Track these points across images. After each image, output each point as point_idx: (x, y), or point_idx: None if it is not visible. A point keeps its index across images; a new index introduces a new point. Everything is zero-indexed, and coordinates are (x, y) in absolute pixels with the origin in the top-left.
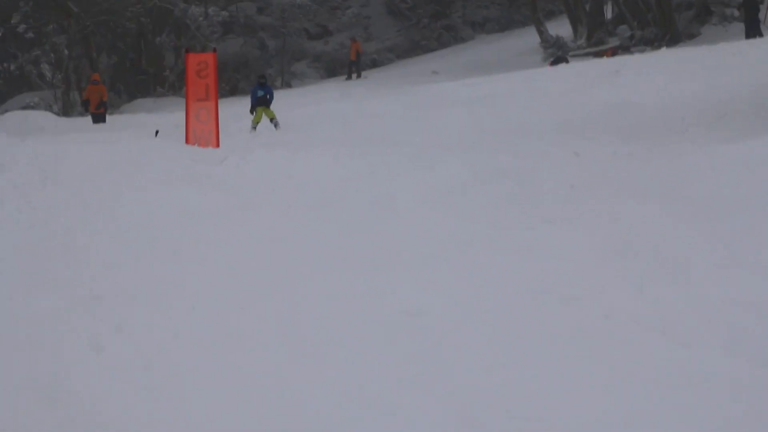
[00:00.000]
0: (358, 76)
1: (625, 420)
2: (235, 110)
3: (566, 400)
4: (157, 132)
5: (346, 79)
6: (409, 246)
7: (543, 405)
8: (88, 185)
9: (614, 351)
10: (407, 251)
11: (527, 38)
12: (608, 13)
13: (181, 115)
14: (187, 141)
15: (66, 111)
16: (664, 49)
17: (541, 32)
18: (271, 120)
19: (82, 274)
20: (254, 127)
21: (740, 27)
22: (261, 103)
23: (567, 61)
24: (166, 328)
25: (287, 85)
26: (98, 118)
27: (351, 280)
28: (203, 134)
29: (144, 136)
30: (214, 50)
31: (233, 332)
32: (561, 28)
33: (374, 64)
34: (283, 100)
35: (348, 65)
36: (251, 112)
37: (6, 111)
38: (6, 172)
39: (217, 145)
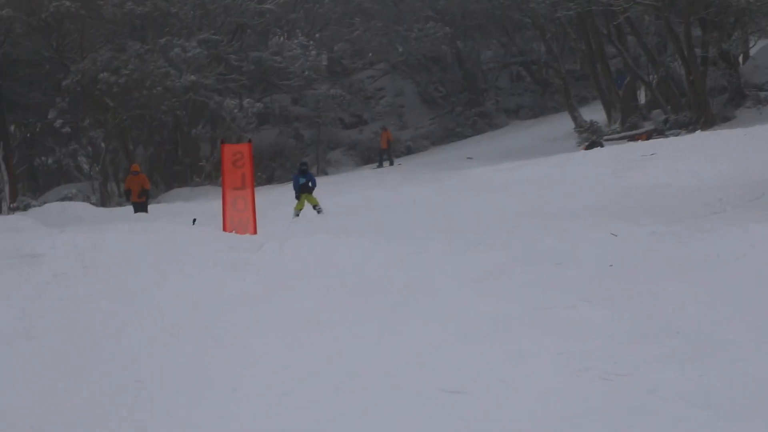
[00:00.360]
0: (391, 163)
1: None
2: (272, 198)
3: None
4: (194, 220)
5: (377, 167)
6: (448, 326)
7: None
8: (128, 272)
9: (660, 426)
10: (447, 331)
11: (561, 124)
12: (641, 97)
13: (217, 204)
14: (224, 228)
15: (104, 202)
16: (698, 132)
17: (575, 117)
18: (314, 207)
19: (124, 359)
20: (297, 214)
21: None
22: (304, 190)
23: (602, 145)
24: (209, 412)
25: (323, 172)
26: (139, 207)
27: (391, 359)
28: (240, 222)
29: (182, 224)
30: (250, 141)
31: (276, 417)
32: (595, 113)
33: (409, 151)
34: (319, 188)
35: (379, 153)
36: (297, 198)
37: (45, 203)
38: (46, 261)
39: (255, 232)
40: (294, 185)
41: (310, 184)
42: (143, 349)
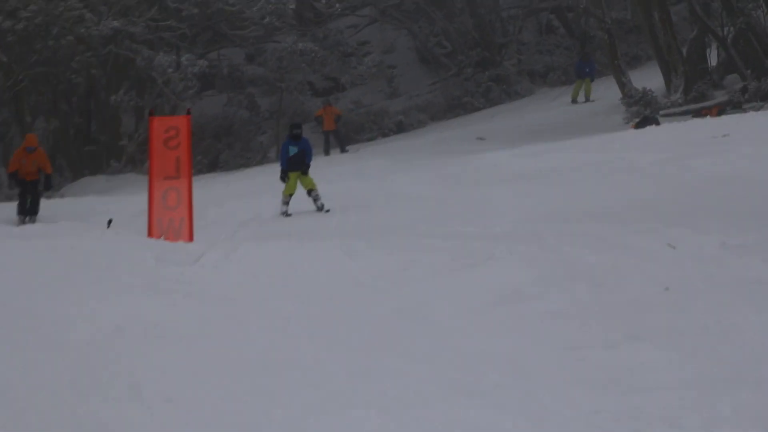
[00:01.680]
0: (342, 150)
1: None
2: (216, 191)
3: None
4: (109, 222)
5: (326, 155)
6: (450, 374)
7: None
8: (18, 298)
9: None
10: (448, 381)
11: (604, 92)
12: (712, 58)
13: (142, 199)
14: (150, 234)
15: None
16: None
17: (623, 84)
18: (309, 192)
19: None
20: (285, 203)
21: None
22: (295, 165)
23: (657, 123)
24: None
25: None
26: (30, 190)
27: (374, 421)
28: (172, 224)
29: (93, 228)
30: (188, 112)
31: None
32: (649, 78)
33: (400, 129)
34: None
35: (324, 137)
36: (282, 179)
37: None
38: None
39: (191, 239)
40: (281, 157)
41: (305, 155)
42: (29, 405)
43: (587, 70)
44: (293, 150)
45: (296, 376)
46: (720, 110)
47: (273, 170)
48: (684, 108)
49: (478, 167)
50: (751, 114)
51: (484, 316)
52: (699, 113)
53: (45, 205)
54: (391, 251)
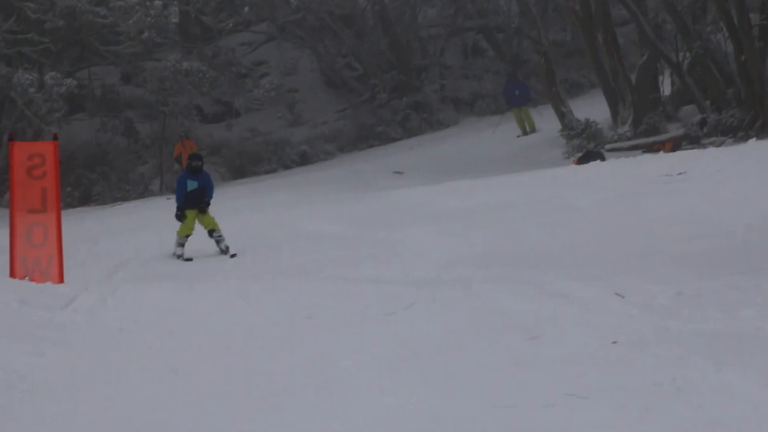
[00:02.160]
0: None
1: None
2: (88, 227)
3: None
4: None
5: (168, 198)
6: None
7: None
8: None
9: None
10: None
11: (540, 123)
12: (666, 87)
13: (3, 235)
14: (12, 274)
15: None
16: (752, 141)
17: (562, 114)
18: (211, 233)
19: None
20: (181, 244)
21: None
22: (193, 202)
23: (603, 158)
24: None
25: (170, 190)
26: None
27: None
28: (38, 264)
29: None
30: (55, 137)
31: None
32: (592, 108)
33: (304, 160)
34: (165, 213)
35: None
36: (178, 218)
37: None
38: None
39: (61, 280)
40: (177, 192)
41: (205, 191)
42: None
43: (517, 92)
44: (192, 185)
45: None
46: (675, 145)
47: (155, 205)
48: (633, 142)
49: (395, 204)
50: (711, 150)
51: (403, 370)
52: (651, 148)
53: None
54: (294, 296)
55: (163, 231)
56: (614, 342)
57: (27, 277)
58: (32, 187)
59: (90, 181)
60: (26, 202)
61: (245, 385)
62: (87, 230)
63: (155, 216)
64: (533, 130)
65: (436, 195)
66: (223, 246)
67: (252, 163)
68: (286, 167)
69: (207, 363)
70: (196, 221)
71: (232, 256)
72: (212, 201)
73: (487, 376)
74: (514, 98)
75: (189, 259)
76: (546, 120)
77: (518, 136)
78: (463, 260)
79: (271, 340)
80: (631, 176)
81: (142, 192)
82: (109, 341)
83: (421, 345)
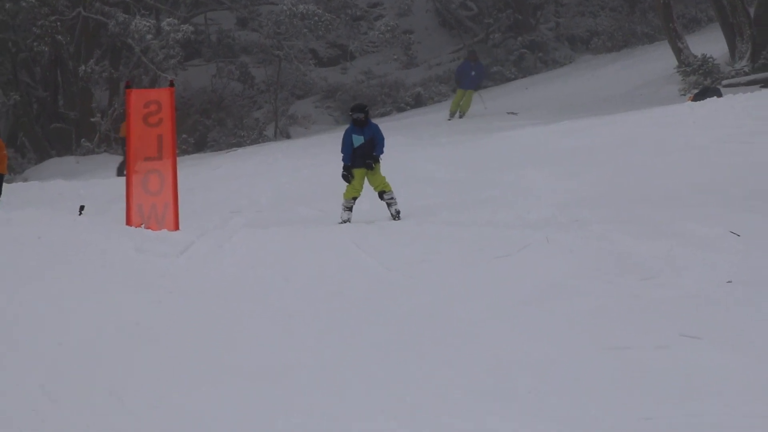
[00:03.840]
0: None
1: None
2: (205, 175)
3: None
4: (81, 208)
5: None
6: (478, 379)
7: None
8: None
9: None
10: (476, 387)
11: (657, 60)
12: None
13: (119, 183)
14: (128, 222)
15: None
16: None
17: (679, 50)
18: (382, 195)
19: None
20: (348, 208)
21: None
22: (359, 160)
23: (720, 94)
24: None
25: (285, 135)
26: None
27: None
28: (154, 211)
29: (62, 216)
30: (171, 84)
31: None
32: (710, 43)
33: (418, 102)
34: (280, 158)
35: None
36: (345, 178)
37: None
38: None
39: (177, 227)
40: (344, 150)
41: (375, 145)
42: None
43: (473, 74)
44: (358, 140)
45: (302, 382)
46: None
47: (270, 150)
48: (751, 77)
49: (511, 146)
50: None
51: (517, 314)
52: None
53: (6, 189)
54: (409, 241)
55: (277, 177)
56: (729, 281)
57: (143, 225)
58: (149, 135)
59: (206, 128)
60: (142, 149)
61: (361, 330)
62: (202, 177)
63: (270, 162)
64: (463, 114)
65: (551, 135)
66: (393, 210)
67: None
68: (400, 110)
69: (323, 309)
70: (365, 181)
71: (392, 207)
72: (299, 141)
73: (601, 318)
74: (467, 78)
75: (348, 211)
76: (661, 58)
77: (448, 120)
78: (578, 201)
79: (387, 285)
80: (749, 113)
81: (257, 138)
82: (225, 288)
83: (535, 289)
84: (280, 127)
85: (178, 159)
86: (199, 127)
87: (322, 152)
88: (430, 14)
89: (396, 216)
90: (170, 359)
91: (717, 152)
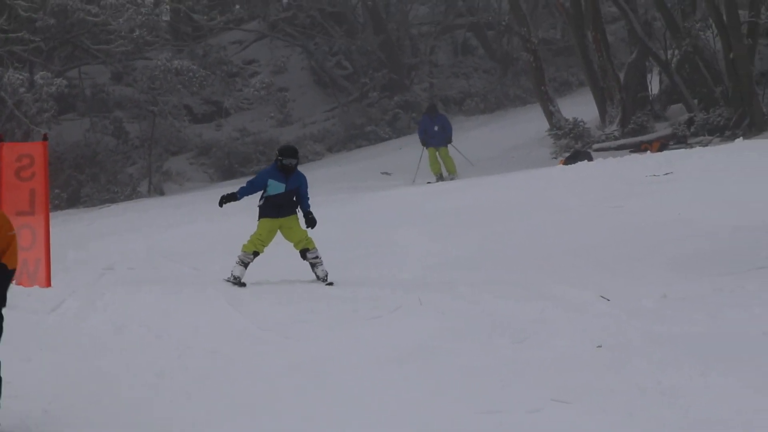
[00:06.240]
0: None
1: None
2: (78, 230)
3: None
4: None
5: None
6: None
7: None
8: None
9: None
10: None
11: (528, 123)
12: (654, 85)
13: None
14: None
15: None
16: (740, 141)
17: (551, 113)
18: (305, 253)
19: None
20: (243, 263)
21: None
22: (274, 209)
23: (590, 158)
24: None
25: (158, 191)
26: None
27: None
28: (26, 267)
29: None
30: (45, 137)
31: None
32: (581, 107)
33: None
34: (153, 215)
35: None
36: (222, 201)
37: None
38: None
39: (48, 284)
40: (247, 188)
41: (302, 202)
42: None
43: (436, 128)
44: (277, 187)
45: None
46: (662, 145)
47: (144, 206)
48: (621, 142)
49: (383, 206)
50: (698, 150)
51: (391, 372)
52: (638, 148)
53: None
54: (283, 301)
55: (151, 234)
56: (599, 346)
57: (14, 282)
58: (21, 189)
59: (79, 183)
60: (14, 204)
61: (234, 387)
62: (75, 233)
63: (143, 218)
64: (452, 176)
65: (424, 196)
66: (320, 271)
67: (241, 163)
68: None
69: (193, 367)
70: (282, 235)
71: (329, 284)
72: (185, 204)
73: (472, 379)
74: (432, 135)
75: (243, 285)
76: (533, 120)
77: (429, 183)
78: (451, 262)
79: (261, 344)
80: (618, 177)
81: (131, 194)
82: (95, 345)
83: (408, 348)
84: (154, 183)
85: (50, 214)
86: (72, 182)
87: (195, 210)
88: (305, 72)
89: (325, 279)
90: (38, 416)
91: (587, 215)
